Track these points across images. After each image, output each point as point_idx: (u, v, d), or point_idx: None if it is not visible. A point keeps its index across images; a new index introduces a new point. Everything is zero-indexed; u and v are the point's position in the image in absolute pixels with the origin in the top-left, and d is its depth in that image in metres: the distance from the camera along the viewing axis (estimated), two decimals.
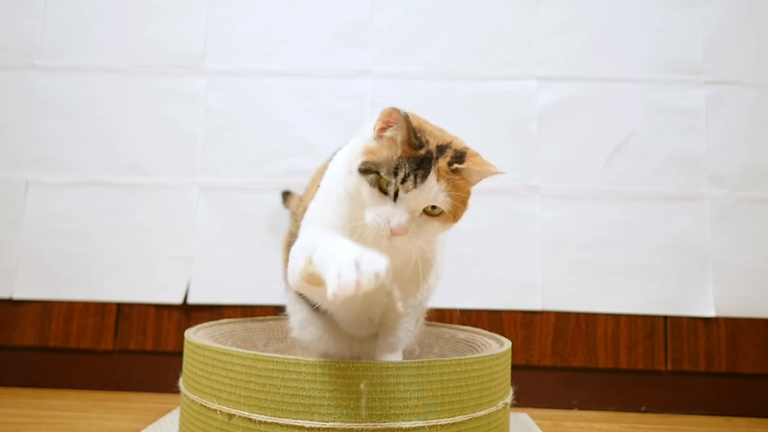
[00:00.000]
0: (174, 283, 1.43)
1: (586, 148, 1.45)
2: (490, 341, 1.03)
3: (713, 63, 1.45)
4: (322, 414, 0.74)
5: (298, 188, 1.40)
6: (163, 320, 1.43)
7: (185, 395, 0.89)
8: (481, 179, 0.80)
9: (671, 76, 1.45)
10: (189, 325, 1.14)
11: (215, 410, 0.80)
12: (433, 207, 0.77)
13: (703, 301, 1.39)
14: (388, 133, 0.78)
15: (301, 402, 0.75)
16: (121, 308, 1.44)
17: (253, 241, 1.43)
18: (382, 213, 0.76)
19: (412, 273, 0.86)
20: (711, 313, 1.39)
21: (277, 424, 0.75)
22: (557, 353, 1.40)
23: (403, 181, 0.75)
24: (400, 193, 0.75)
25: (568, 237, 1.42)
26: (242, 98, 1.48)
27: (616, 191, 1.43)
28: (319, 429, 0.74)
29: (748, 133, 1.43)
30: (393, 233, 0.75)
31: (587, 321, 1.41)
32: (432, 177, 0.76)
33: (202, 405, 0.83)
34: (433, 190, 0.75)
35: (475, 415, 0.80)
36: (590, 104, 1.45)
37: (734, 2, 1.46)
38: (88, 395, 1.37)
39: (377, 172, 0.76)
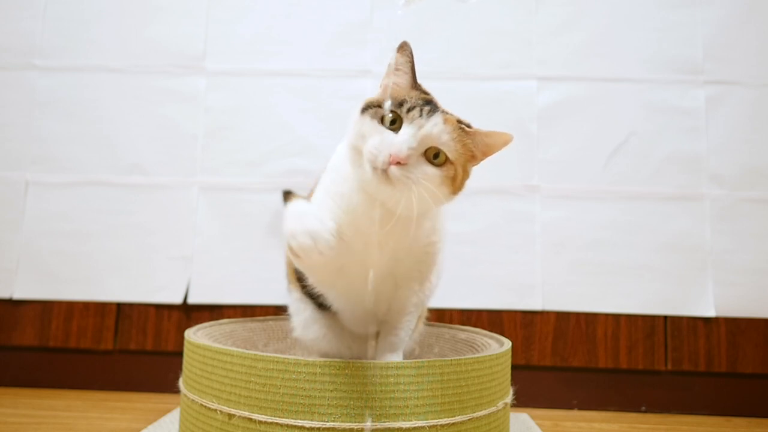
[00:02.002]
0: (174, 283, 1.43)
1: (586, 148, 1.45)
2: (490, 341, 1.03)
3: (713, 63, 1.45)
4: (322, 414, 0.74)
5: (298, 188, 1.40)
6: (163, 320, 1.43)
7: (185, 395, 0.89)
8: (485, 152, 0.78)
9: (671, 76, 1.45)
10: (189, 325, 1.14)
11: (215, 410, 0.80)
12: (435, 156, 0.74)
13: (703, 301, 1.39)
14: (392, 79, 0.77)
15: (301, 402, 0.75)
16: (121, 308, 1.44)
17: (253, 241, 1.43)
18: (381, 140, 0.71)
19: (415, 270, 0.86)
20: (711, 313, 1.39)
21: (277, 424, 0.75)
22: (557, 353, 1.40)
23: (409, 111, 0.73)
24: (404, 123, 0.73)
25: (568, 237, 1.42)
26: (242, 98, 1.48)
27: (616, 191, 1.43)
28: (319, 429, 0.74)
29: (748, 133, 1.43)
30: (391, 159, 0.70)
31: (587, 321, 1.41)
32: (439, 116, 0.73)
33: (202, 405, 0.83)
34: (439, 127, 0.72)
35: (475, 415, 0.80)
36: (590, 104, 1.45)
37: (734, 2, 1.46)
38: (88, 395, 1.37)
39: (380, 106, 0.74)
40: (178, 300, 1.43)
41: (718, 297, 1.39)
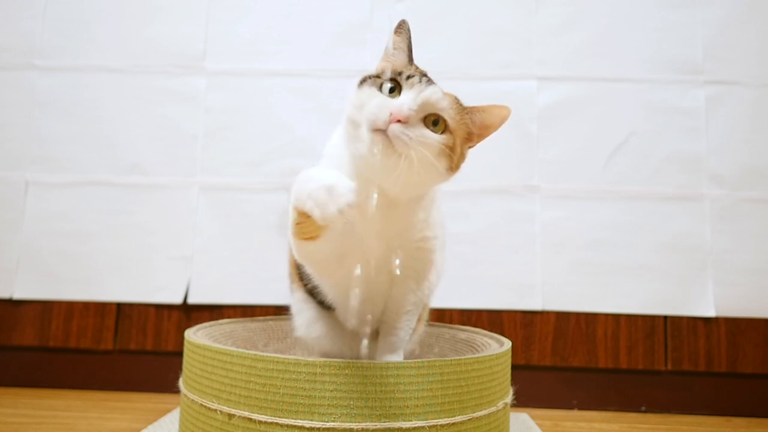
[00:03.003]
0: (174, 283, 1.43)
1: (586, 148, 1.45)
2: (490, 341, 1.03)
3: (713, 63, 1.45)
4: (322, 414, 0.74)
5: None
6: (163, 320, 1.43)
7: (185, 395, 0.89)
8: (481, 134, 0.77)
9: (671, 76, 1.45)
10: (189, 325, 1.14)
11: (215, 410, 0.80)
12: (434, 123, 0.73)
13: (703, 301, 1.39)
14: (389, 58, 0.77)
15: (301, 402, 0.75)
16: (121, 308, 1.44)
17: (253, 241, 1.43)
18: (382, 101, 0.70)
19: (410, 267, 0.85)
20: (711, 313, 1.39)
21: (277, 424, 0.75)
22: (557, 353, 1.40)
23: (408, 78, 0.72)
24: (404, 89, 0.72)
25: (568, 237, 1.42)
26: (242, 98, 1.48)
27: (616, 191, 1.43)
28: (319, 429, 0.74)
29: (748, 133, 1.43)
30: (392, 118, 0.68)
31: (587, 321, 1.41)
32: (438, 87, 0.73)
33: (202, 405, 0.83)
34: (438, 94, 0.72)
35: (475, 415, 0.80)
36: (590, 104, 1.45)
37: (734, 2, 1.46)
38: (88, 395, 1.37)
39: (378, 77, 0.74)
40: (178, 300, 1.43)
41: (718, 297, 1.39)
